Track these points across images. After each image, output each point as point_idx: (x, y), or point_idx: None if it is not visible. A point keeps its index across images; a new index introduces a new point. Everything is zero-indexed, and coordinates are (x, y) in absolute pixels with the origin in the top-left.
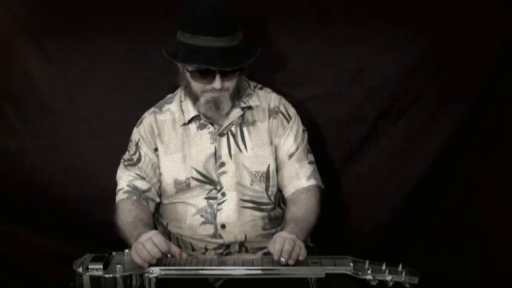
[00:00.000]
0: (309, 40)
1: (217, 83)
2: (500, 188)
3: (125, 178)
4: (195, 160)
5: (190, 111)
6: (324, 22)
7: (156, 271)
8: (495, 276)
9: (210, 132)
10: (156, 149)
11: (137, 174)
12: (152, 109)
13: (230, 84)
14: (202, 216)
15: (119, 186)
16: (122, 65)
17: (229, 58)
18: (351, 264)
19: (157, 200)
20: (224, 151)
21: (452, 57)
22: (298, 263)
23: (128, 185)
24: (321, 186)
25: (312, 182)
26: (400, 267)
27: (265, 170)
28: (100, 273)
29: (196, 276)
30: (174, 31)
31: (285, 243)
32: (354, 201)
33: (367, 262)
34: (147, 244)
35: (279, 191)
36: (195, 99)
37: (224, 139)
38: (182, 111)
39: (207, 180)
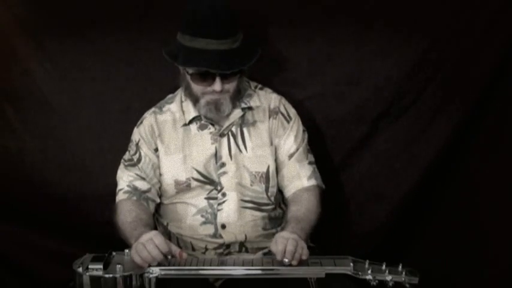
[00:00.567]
0: (309, 40)
1: (217, 86)
2: (500, 187)
3: (125, 178)
4: (196, 160)
5: (191, 111)
6: (324, 22)
7: (156, 271)
8: (495, 276)
9: (210, 133)
10: (156, 149)
11: (137, 175)
12: (153, 109)
13: (230, 86)
14: (202, 216)
15: (119, 187)
16: (122, 65)
17: (229, 61)
18: (351, 264)
19: (158, 200)
20: (225, 151)
21: (452, 57)
22: (300, 262)
23: (128, 185)
24: (322, 186)
25: (313, 181)
26: (400, 267)
27: (265, 170)
28: (100, 273)
29: (196, 276)
30: (174, 31)
31: (287, 243)
32: (354, 201)
33: (367, 262)
34: (147, 245)
35: (280, 191)
36: (195, 100)
37: (225, 139)
38: (183, 111)
39: (207, 180)
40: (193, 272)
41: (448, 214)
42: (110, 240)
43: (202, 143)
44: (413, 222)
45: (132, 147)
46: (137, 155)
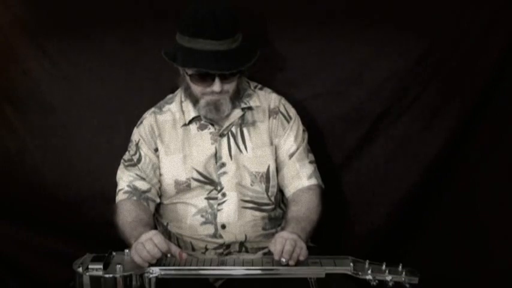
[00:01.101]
0: (309, 40)
1: (216, 86)
2: (500, 187)
3: (125, 178)
4: (196, 161)
5: (191, 111)
6: (324, 22)
7: (156, 271)
8: (495, 276)
9: (210, 133)
10: (156, 150)
11: (137, 175)
12: (152, 109)
13: (230, 86)
14: (202, 216)
15: (119, 187)
16: (122, 65)
17: (228, 61)
18: (351, 264)
19: (158, 200)
20: (224, 152)
21: (452, 57)
22: (298, 263)
23: (128, 186)
24: (322, 185)
25: (313, 181)
26: (400, 267)
27: (265, 170)
28: (100, 273)
29: (196, 276)
30: (173, 31)
31: (285, 243)
32: (354, 201)
33: (367, 262)
34: (147, 244)
35: (280, 191)
36: (195, 101)
37: (224, 139)
38: (183, 111)
39: (207, 180)
40: (193, 272)
41: (448, 214)
42: (110, 240)
43: (202, 143)
44: (413, 222)
45: (132, 148)
46: (137, 155)
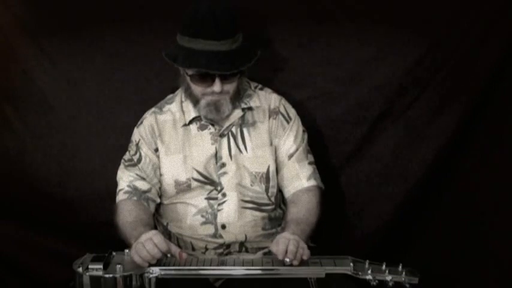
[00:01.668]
0: (309, 40)
1: (217, 87)
2: (500, 187)
3: (125, 178)
4: (196, 161)
5: (191, 112)
6: (324, 22)
7: (156, 271)
8: (495, 276)
9: (210, 133)
10: (156, 150)
11: (137, 175)
12: (153, 109)
13: (230, 87)
14: (202, 216)
15: (119, 187)
16: (122, 65)
17: (228, 62)
18: (351, 264)
19: (158, 200)
20: (225, 152)
21: (452, 57)
22: (300, 263)
23: (128, 186)
24: (321, 186)
25: (313, 182)
26: (400, 267)
27: (265, 170)
28: (100, 273)
29: (196, 276)
30: (173, 31)
31: (289, 243)
32: (354, 201)
33: (367, 262)
34: (147, 244)
35: (280, 191)
36: (195, 101)
37: (225, 140)
38: (183, 111)
39: (207, 180)
40: (193, 272)
41: (448, 214)
42: (110, 240)
43: (202, 143)
44: (413, 222)
45: (132, 148)
46: (137, 155)
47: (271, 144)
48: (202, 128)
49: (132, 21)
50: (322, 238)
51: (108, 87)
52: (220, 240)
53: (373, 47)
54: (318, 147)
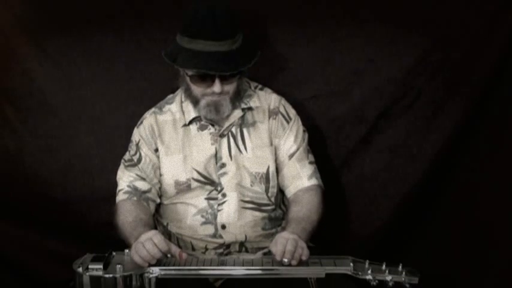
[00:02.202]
0: (309, 40)
1: (217, 87)
2: (500, 187)
3: (125, 179)
4: (196, 161)
5: (191, 112)
6: (324, 22)
7: (156, 271)
8: (495, 276)
9: (210, 133)
10: (156, 150)
11: (137, 175)
12: (153, 109)
13: (230, 87)
14: (202, 216)
15: (119, 187)
16: (122, 65)
17: (228, 62)
18: (351, 264)
19: (158, 200)
20: (225, 152)
21: (453, 57)
22: (300, 263)
23: (128, 186)
24: (322, 186)
25: (314, 181)
26: (400, 267)
27: (265, 171)
28: (100, 273)
29: (196, 276)
30: (173, 31)
31: (287, 243)
32: (354, 201)
33: (367, 262)
34: (146, 244)
35: (280, 191)
36: (195, 102)
37: (225, 140)
38: (183, 112)
39: (207, 181)
40: (193, 272)
41: (448, 214)
42: (110, 240)
43: (202, 143)
44: (413, 222)
45: (132, 148)
46: (137, 155)
47: (271, 144)
48: (202, 128)
49: (132, 22)
50: (322, 238)
51: (108, 87)
52: (220, 240)
53: (373, 47)
54: (317, 147)
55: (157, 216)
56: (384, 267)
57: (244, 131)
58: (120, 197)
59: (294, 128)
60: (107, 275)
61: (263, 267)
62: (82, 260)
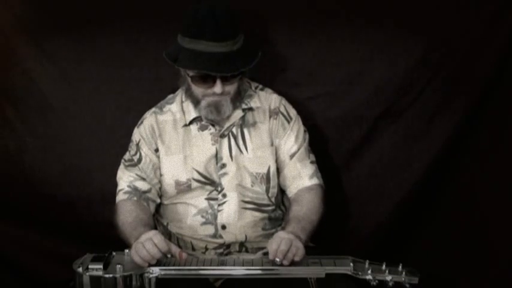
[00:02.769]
0: (310, 40)
1: (217, 88)
2: (500, 187)
3: (125, 179)
4: (196, 161)
5: (192, 112)
6: (324, 22)
7: (156, 271)
8: (495, 276)
9: (211, 134)
10: (156, 150)
11: (137, 175)
12: (153, 109)
13: (231, 88)
14: (202, 216)
15: (119, 187)
16: (122, 65)
17: (229, 63)
18: (351, 264)
19: (158, 200)
20: (225, 152)
21: (452, 57)
22: (294, 263)
23: (128, 186)
24: (323, 186)
25: (315, 181)
26: (400, 267)
27: (265, 171)
28: (100, 273)
29: (196, 276)
30: (174, 31)
31: (281, 243)
32: (354, 201)
33: (367, 262)
34: (146, 244)
35: (282, 192)
36: (196, 102)
37: (225, 140)
38: (183, 112)
39: (208, 181)
40: (193, 272)
41: (448, 214)
42: (110, 240)
43: (203, 143)
44: (413, 222)
45: (132, 148)
46: (137, 155)
47: (271, 144)
48: (202, 128)
49: (132, 21)
50: (322, 238)
51: (108, 87)
52: (220, 241)
53: (373, 47)
54: (317, 147)
55: (157, 216)
56: (384, 267)
57: (245, 131)
58: (120, 197)
59: (294, 128)
60: (107, 275)
61: (263, 267)
62: (82, 260)
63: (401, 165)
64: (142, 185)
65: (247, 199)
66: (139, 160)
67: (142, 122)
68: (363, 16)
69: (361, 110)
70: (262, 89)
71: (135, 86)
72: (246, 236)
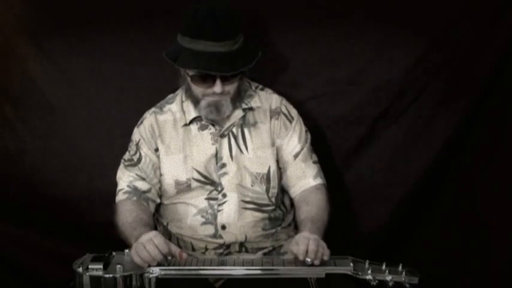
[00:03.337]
0: (310, 40)
1: (217, 87)
2: (500, 187)
3: (125, 179)
4: (196, 161)
5: (192, 111)
6: (324, 22)
7: (156, 271)
8: (495, 276)
9: (211, 133)
10: (156, 150)
11: (137, 175)
12: (153, 109)
13: (231, 87)
14: (202, 216)
15: (119, 187)
16: (122, 65)
17: (229, 63)
18: (351, 264)
19: (158, 200)
20: (225, 152)
21: (452, 57)
22: (322, 263)
23: (128, 186)
24: (326, 185)
25: (319, 180)
26: (400, 267)
27: (265, 171)
28: (100, 273)
29: (196, 276)
30: (174, 31)
31: (309, 243)
32: (354, 201)
33: (367, 262)
34: (147, 245)
35: (282, 192)
36: (196, 102)
37: (225, 140)
38: (183, 111)
39: (208, 181)
40: (193, 272)
41: (448, 214)
42: (110, 240)
43: (203, 143)
44: (413, 222)
45: (132, 147)
46: (137, 155)
47: (272, 144)
48: (202, 128)
49: (132, 21)
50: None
51: (108, 87)
52: (220, 241)
53: (373, 47)
54: (317, 148)
55: (157, 216)
56: (384, 267)
57: (245, 131)
58: (120, 196)
59: (297, 128)
60: (107, 275)
61: (263, 267)
62: (82, 260)
63: (401, 165)
64: (142, 185)
65: (247, 199)
66: (139, 160)
67: (142, 122)
68: (363, 16)
69: (361, 110)
70: (262, 89)
71: (135, 86)
72: (246, 236)
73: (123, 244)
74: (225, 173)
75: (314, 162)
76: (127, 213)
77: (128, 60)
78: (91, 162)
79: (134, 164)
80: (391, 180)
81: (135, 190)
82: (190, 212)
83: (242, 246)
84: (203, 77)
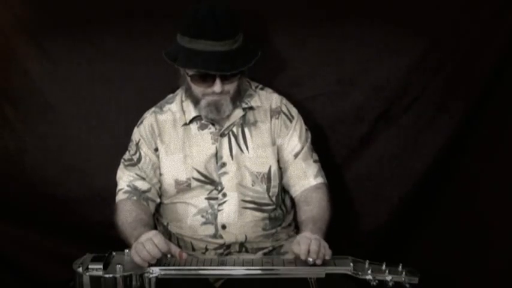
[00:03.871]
0: (309, 40)
1: (217, 87)
2: (500, 187)
3: (125, 178)
4: (196, 160)
5: (191, 111)
6: (324, 22)
7: (156, 271)
8: (495, 276)
9: (211, 133)
10: (156, 149)
11: (137, 175)
12: (153, 109)
13: (231, 87)
14: (203, 216)
15: (119, 187)
16: (122, 65)
17: (228, 62)
18: (351, 264)
19: (158, 200)
20: (225, 151)
21: (452, 57)
22: (324, 263)
23: (128, 185)
24: (327, 184)
25: (320, 180)
26: (400, 267)
27: (266, 171)
28: (100, 273)
29: (196, 276)
30: (174, 31)
31: (311, 243)
32: (354, 201)
33: (367, 262)
34: (147, 244)
35: (282, 191)
36: (196, 102)
37: (225, 139)
38: (183, 111)
39: (208, 180)
40: (193, 272)
41: (448, 214)
42: (110, 240)
43: (203, 142)
44: (413, 222)
45: (132, 147)
46: (137, 154)
47: (273, 144)
48: (202, 127)
49: (132, 21)
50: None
51: (108, 87)
52: (220, 241)
53: (372, 47)
54: (317, 147)
55: (157, 216)
56: (384, 267)
57: (246, 130)
58: (120, 196)
59: (297, 127)
60: (107, 275)
61: (263, 267)
62: (82, 260)
63: (401, 165)
64: (142, 185)
65: (247, 198)
66: (139, 160)
67: (142, 122)
68: (363, 16)
69: (361, 110)
70: (262, 89)
71: (134, 86)
72: (246, 236)
73: (123, 244)
74: (225, 173)
75: (315, 161)
76: (127, 213)
77: (128, 60)
78: (91, 162)
79: (134, 163)
80: (391, 180)
81: (135, 190)
82: (190, 212)
83: (242, 246)
84: (203, 76)
